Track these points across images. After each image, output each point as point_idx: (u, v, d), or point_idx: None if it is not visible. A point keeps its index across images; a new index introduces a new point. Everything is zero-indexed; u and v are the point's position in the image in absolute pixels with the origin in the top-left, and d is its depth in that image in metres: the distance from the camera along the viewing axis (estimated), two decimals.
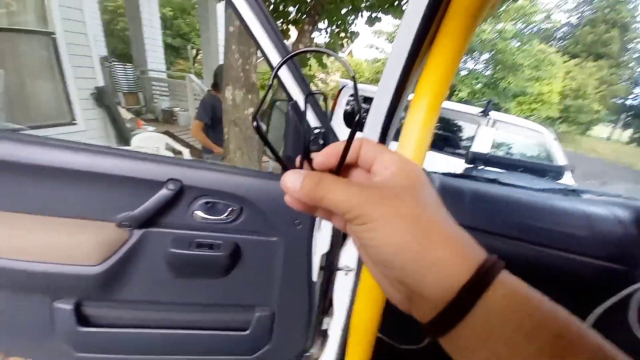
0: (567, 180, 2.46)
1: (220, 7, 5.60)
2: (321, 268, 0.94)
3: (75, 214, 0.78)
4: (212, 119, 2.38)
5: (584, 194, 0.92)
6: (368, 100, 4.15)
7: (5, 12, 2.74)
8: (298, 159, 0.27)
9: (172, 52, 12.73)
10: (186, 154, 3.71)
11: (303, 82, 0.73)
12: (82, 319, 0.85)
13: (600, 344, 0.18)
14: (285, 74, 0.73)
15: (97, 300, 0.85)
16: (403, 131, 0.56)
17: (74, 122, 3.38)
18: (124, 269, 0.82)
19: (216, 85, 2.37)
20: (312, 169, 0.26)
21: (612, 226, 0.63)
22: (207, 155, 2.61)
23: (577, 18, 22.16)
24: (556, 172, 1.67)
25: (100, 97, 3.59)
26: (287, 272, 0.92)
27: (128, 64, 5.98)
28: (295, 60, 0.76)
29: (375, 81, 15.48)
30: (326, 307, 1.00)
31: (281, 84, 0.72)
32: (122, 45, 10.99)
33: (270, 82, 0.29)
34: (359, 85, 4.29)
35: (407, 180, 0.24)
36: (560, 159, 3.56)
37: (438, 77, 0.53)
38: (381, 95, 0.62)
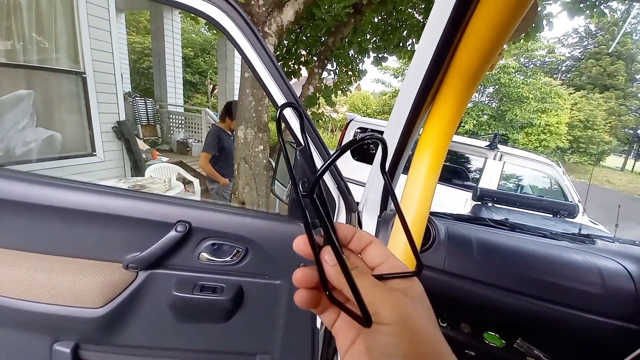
0: (580, 218, 2.38)
1: None
2: None
3: (83, 255, 0.79)
4: (218, 150, 2.48)
5: (597, 240, 0.88)
6: (374, 132, 4.24)
7: (41, 50, 3.02)
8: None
9: (191, 87, 13.61)
10: (196, 184, 3.79)
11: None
12: None
13: None
14: (291, 119, 0.76)
15: (97, 344, 0.83)
16: (408, 181, 0.58)
17: (94, 153, 3.55)
18: (126, 311, 0.81)
19: (223, 117, 2.51)
20: (330, 238, 0.26)
21: (624, 282, 0.60)
22: (212, 186, 2.69)
23: (580, 52, 22.78)
24: (569, 211, 1.62)
25: (121, 130, 3.81)
26: (289, 318, 0.89)
27: (149, 99, 6.39)
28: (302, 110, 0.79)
29: (382, 113, 15.95)
30: (330, 356, 0.94)
31: (290, 129, 0.75)
32: (145, 81, 11.84)
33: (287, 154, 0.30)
34: (365, 119, 4.38)
35: (420, 292, 0.25)
36: (572, 193, 3.47)
37: (440, 129, 0.55)
38: (390, 136, 0.65)
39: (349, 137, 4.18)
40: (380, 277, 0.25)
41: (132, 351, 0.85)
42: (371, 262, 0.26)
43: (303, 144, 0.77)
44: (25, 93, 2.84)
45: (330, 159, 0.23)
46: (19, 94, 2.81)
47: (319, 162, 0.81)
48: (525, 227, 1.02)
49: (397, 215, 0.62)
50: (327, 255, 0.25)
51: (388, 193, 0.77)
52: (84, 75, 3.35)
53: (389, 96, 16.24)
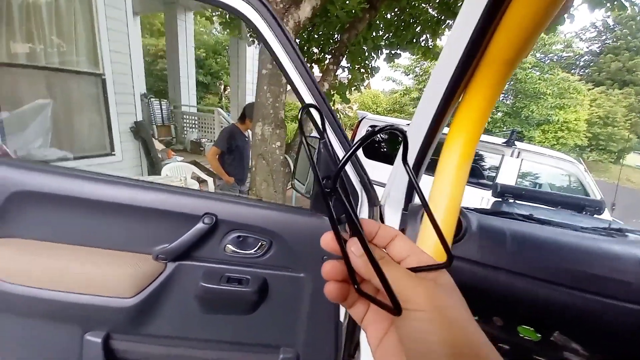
0: (605, 215, 2.29)
1: (249, 50, 6.13)
2: None
3: (115, 246, 0.82)
4: (228, 148, 2.46)
5: (629, 234, 0.85)
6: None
7: (62, 53, 3.14)
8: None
9: (203, 88, 13.83)
10: (210, 182, 3.86)
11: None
12: (110, 354, 0.85)
13: None
14: (316, 114, 0.77)
15: (126, 333, 0.86)
16: (438, 171, 0.57)
17: (112, 153, 3.67)
18: (156, 301, 0.83)
19: (242, 118, 2.51)
20: (355, 229, 0.26)
21: None
22: (219, 182, 2.70)
23: (599, 47, 21.92)
24: (595, 207, 1.56)
25: (138, 131, 3.91)
26: (313, 311, 0.89)
27: (163, 100, 6.55)
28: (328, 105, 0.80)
29: (392, 111, 15.77)
30: (352, 351, 0.94)
31: (314, 123, 0.75)
32: (159, 83, 12.11)
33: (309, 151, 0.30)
34: (377, 117, 4.35)
35: (450, 282, 0.25)
36: (594, 191, 3.34)
37: (472, 119, 0.54)
38: (416, 130, 0.64)
39: (360, 135, 4.15)
40: (409, 270, 0.25)
41: (160, 341, 0.87)
42: (397, 256, 0.26)
43: (329, 141, 0.77)
44: (43, 104, 2.92)
45: (351, 150, 0.23)
46: (38, 104, 2.90)
47: (341, 154, 0.81)
48: (554, 222, 0.99)
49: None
50: (354, 247, 0.24)
51: (412, 186, 0.76)
52: (103, 77, 3.45)
53: (400, 94, 16.05)
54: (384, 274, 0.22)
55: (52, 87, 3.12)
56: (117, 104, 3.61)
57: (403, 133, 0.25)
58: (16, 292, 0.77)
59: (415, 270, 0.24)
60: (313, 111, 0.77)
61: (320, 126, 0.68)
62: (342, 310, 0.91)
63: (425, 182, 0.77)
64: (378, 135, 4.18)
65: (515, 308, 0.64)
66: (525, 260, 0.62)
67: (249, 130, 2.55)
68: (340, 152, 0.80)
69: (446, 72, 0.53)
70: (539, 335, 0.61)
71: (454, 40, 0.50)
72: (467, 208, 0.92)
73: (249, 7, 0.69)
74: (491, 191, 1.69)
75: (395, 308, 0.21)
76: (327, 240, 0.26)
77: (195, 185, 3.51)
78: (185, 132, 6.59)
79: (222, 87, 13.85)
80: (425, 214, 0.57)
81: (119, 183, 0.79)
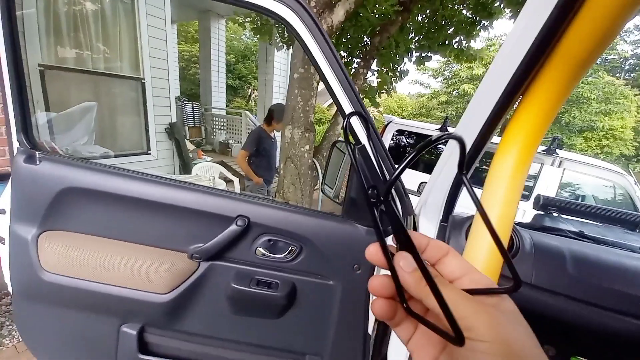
0: None
1: (277, 54, 6.27)
2: (377, 320, 0.87)
3: (153, 243, 0.85)
4: (256, 150, 2.57)
5: None
6: (412, 135, 4.11)
7: (107, 59, 3.39)
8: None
9: (232, 91, 14.34)
10: (236, 182, 3.96)
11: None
12: (143, 346, 0.88)
13: None
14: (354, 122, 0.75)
15: (160, 328, 0.88)
16: (488, 181, 0.53)
17: (149, 152, 3.89)
18: (189, 299, 0.85)
19: (269, 120, 2.60)
20: (406, 243, 0.24)
21: None
22: (248, 183, 2.80)
23: None
24: None
25: (172, 131, 4.12)
26: (341, 320, 0.87)
27: (195, 103, 6.87)
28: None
29: (418, 115, 15.37)
30: None
31: (353, 133, 0.73)
32: (192, 87, 12.74)
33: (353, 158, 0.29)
34: (404, 121, 4.25)
35: (514, 310, 0.22)
36: None
37: (532, 125, 0.49)
38: (467, 130, 0.60)
39: (386, 139, 4.07)
40: (468, 292, 0.22)
41: (190, 338, 0.89)
42: (449, 275, 0.24)
43: (369, 150, 0.74)
44: (89, 106, 3.18)
45: (408, 159, 0.21)
46: (84, 106, 3.15)
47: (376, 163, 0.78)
48: (609, 240, 0.89)
49: (473, 221, 0.57)
50: (403, 261, 0.22)
51: (454, 196, 0.71)
52: (143, 81, 3.68)
53: (428, 98, 15.61)
54: (443, 296, 0.19)
55: (98, 90, 3.38)
56: (155, 106, 3.83)
57: (461, 141, 0.23)
58: (62, 282, 0.82)
59: (473, 292, 0.22)
60: (353, 120, 0.75)
61: (365, 133, 0.67)
62: (371, 322, 0.87)
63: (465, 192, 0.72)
64: (405, 141, 4.08)
65: (571, 336, 0.57)
66: (587, 286, 0.55)
67: (274, 132, 2.63)
68: (374, 160, 0.77)
69: (506, 72, 0.48)
70: None
71: (518, 35, 0.45)
72: (518, 223, 0.85)
73: (290, 12, 0.69)
74: (532, 203, 1.57)
75: (457, 337, 0.19)
76: (372, 253, 0.24)
77: (222, 184, 3.62)
78: (214, 134, 6.85)
79: (250, 90, 14.28)
80: (473, 228, 0.52)
81: (158, 182, 0.81)
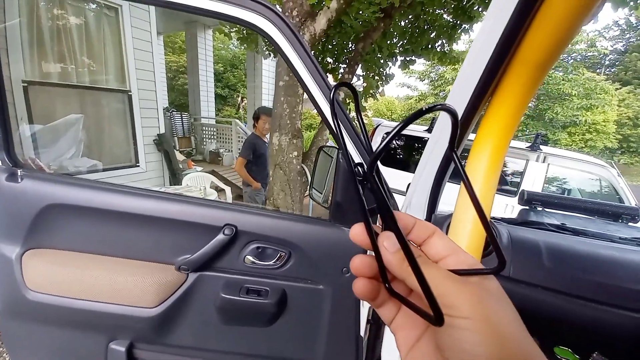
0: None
1: (265, 62, 6.32)
2: (368, 322, 0.88)
3: (140, 256, 0.84)
4: (253, 156, 2.66)
5: None
6: (401, 136, 4.16)
7: (92, 72, 3.36)
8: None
9: (221, 100, 14.34)
10: (228, 191, 3.94)
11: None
12: None
13: None
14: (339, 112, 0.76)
15: (149, 343, 0.87)
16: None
17: (137, 164, 3.84)
18: (178, 311, 0.84)
19: (254, 124, 2.67)
20: (390, 222, 0.23)
21: None
22: (246, 189, 2.87)
23: (623, 45, 20.79)
24: (631, 215, 1.44)
25: (160, 143, 4.08)
26: (333, 324, 0.87)
27: (184, 113, 6.84)
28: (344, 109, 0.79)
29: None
30: None
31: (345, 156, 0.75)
32: (180, 97, 12.68)
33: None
34: (393, 123, 4.32)
35: (498, 288, 0.22)
36: (629, 197, 3.11)
37: (500, 126, 0.51)
38: (438, 138, 0.62)
39: (376, 142, 4.12)
40: (453, 272, 0.21)
41: (181, 351, 0.88)
42: (435, 255, 0.23)
43: (358, 124, 0.75)
44: (75, 118, 3.14)
45: (395, 131, 0.20)
46: (70, 119, 3.12)
47: (357, 158, 0.79)
48: (589, 232, 0.93)
49: (451, 219, 0.58)
50: (386, 242, 0.22)
51: (436, 196, 0.73)
52: (129, 93, 3.66)
53: (415, 100, 15.89)
54: (424, 275, 0.19)
55: (84, 104, 3.34)
56: (142, 118, 3.80)
57: (454, 114, 0.21)
58: (47, 301, 0.81)
59: (458, 272, 0.21)
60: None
61: (355, 112, 0.68)
62: (363, 324, 0.88)
63: (447, 190, 0.74)
64: (394, 143, 4.13)
65: (552, 327, 0.59)
66: (562, 277, 0.57)
67: (263, 132, 2.70)
68: (356, 157, 0.79)
69: (473, 76, 0.51)
70: (578, 357, 0.56)
71: (481, 42, 0.48)
72: (494, 218, 0.87)
73: (268, 23, 0.71)
74: (517, 198, 1.61)
75: (435, 317, 0.18)
76: (357, 233, 0.24)
77: (214, 194, 3.59)
78: (205, 143, 6.81)
79: (240, 98, 14.29)
80: (451, 225, 0.54)
81: (143, 195, 0.81)
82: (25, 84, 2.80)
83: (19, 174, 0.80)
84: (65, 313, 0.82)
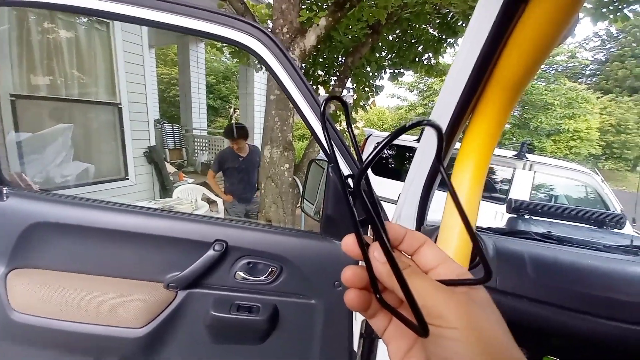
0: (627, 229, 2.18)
1: (257, 75, 6.40)
2: (361, 336, 0.87)
3: (127, 275, 0.82)
4: (221, 170, 2.72)
5: None
6: (392, 146, 4.24)
7: (82, 85, 3.34)
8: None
9: (213, 112, 14.35)
10: (220, 203, 3.89)
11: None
12: None
13: None
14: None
15: None
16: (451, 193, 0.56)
17: (126, 177, 3.78)
18: (166, 331, 0.82)
19: (231, 139, 2.64)
20: (378, 233, 0.23)
21: None
22: (226, 204, 2.88)
23: (604, 55, 21.88)
24: (615, 221, 1.49)
25: (151, 155, 4.04)
26: (325, 339, 0.86)
27: (175, 125, 6.81)
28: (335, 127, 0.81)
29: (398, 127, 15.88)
30: None
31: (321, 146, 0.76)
32: (172, 109, 12.65)
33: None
34: (383, 134, 4.39)
35: (486, 299, 0.22)
36: (614, 202, 3.21)
37: (481, 143, 0.54)
38: (424, 150, 0.64)
39: (367, 152, 4.17)
40: (441, 283, 0.22)
41: None
42: (425, 265, 0.24)
43: (349, 135, 0.77)
44: (65, 127, 3.11)
45: (384, 142, 0.20)
46: (59, 127, 3.09)
47: (347, 171, 0.81)
48: (574, 240, 0.95)
49: (438, 231, 0.60)
50: (377, 252, 0.22)
51: (424, 208, 0.74)
52: (119, 106, 3.63)
53: (405, 110, 16.23)
54: (409, 287, 0.19)
55: (73, 117, 3.30)
56: (132, 130, 3.77)
57: (438, 129, 0.21)
58: (32, 323, 0.78)
59: (446, 283, 0.22)
60: (322, 134, 0.78)
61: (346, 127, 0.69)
62: (356, 338, 0.87)
63: (437, 198, 0.76)
64: (386, 152, 4.19)
65: (540, 338, 0.60)
66: (547, 287, 0.58)
67: (247, 149, 2.66)
68: (346, 170, 0.80)
69: (453, 95, 0.53)
70: None
71: (460, 65, 0.51)
72: (481, 228, 0.89)
73: (257, 42, 0.73)
74: (505, 207, 1.65)
75: (421, 327, 0.19)
76: (349, 244, 0.24)
77: (205, 206, 3.55)
78: (196, 155, 6.77)
79: (232, 110, 14.33)
80: (439, 237, 0.55)
81: (131, 211, 0.80)
82: (13, 98, 2.76)
83: (4, 192, 0.78)
84: (50, 335, 0.79)
